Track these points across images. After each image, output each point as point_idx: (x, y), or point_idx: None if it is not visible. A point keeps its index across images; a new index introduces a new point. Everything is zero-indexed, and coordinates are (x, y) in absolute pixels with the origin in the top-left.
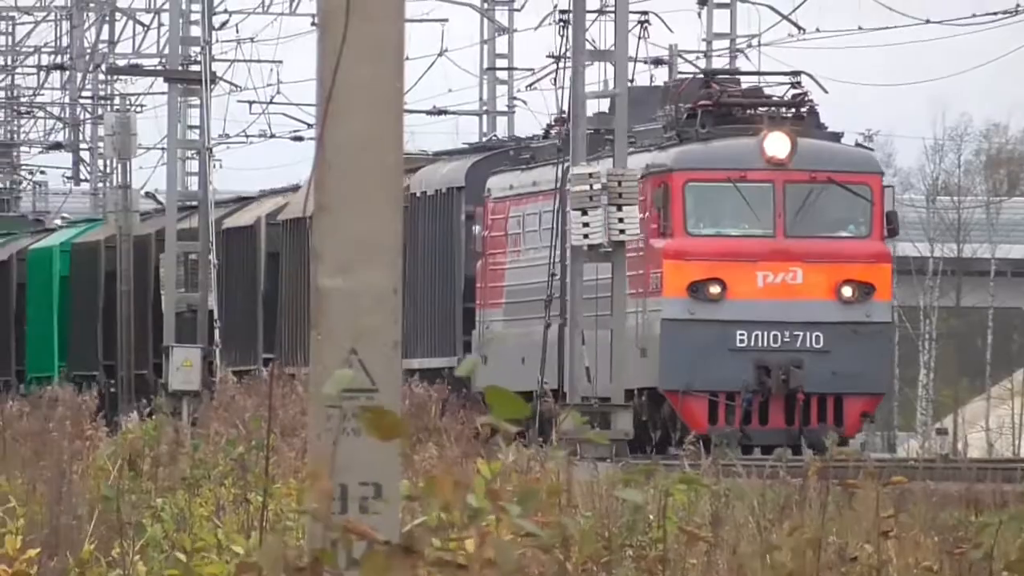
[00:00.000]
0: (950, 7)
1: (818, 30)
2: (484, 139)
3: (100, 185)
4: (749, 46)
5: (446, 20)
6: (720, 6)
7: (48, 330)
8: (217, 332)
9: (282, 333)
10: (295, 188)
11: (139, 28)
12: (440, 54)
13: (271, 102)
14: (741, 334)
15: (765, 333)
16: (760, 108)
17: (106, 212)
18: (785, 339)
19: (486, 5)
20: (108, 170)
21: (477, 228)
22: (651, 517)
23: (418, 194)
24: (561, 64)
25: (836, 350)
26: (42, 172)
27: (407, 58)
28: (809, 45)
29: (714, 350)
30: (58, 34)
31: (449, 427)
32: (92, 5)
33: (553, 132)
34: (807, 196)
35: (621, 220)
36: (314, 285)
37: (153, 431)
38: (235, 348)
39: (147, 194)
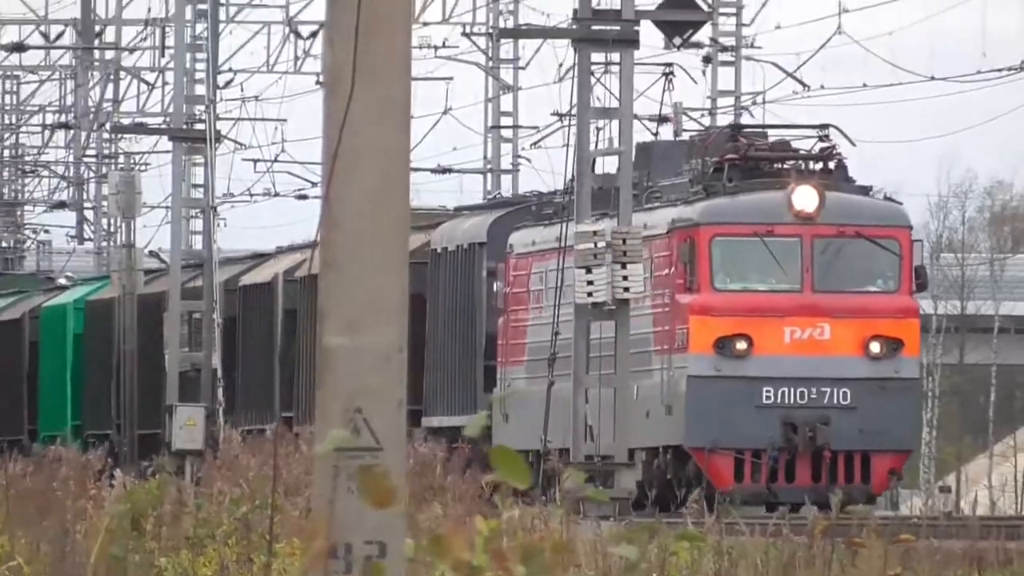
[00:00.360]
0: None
1: (822, 87)
2: (489, 197)
3: (104, 244)
4: (754, 103)
5: (451, 78)
6: (725, 64)
7: (62, 388)
8: (220, 391)
9: (299, 391)
10: (314, 244)
11: (143, 87)
12: (445, 112)
13: (276, 160)
14: (768, 390)
15: (792, 389)
16: (788, 162)
17: (110, 271)
18: (812, 395)
19: (491, 64)
20: (112, 229)
21: (499, 284)
22: (653, 575)
23: (439, 249)
24: (566, 121)
25: (863, 406)
26: (46, 231)
27: (413, 116)
28: (814, 102)
29: (740, 407)
30: (62, 93)
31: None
32: (96, 64)
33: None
34: (835, 250)
35: (625, 278)
36: (319, 343)
37: (156, 490)
38: (252, 406)
39: (151, 253)
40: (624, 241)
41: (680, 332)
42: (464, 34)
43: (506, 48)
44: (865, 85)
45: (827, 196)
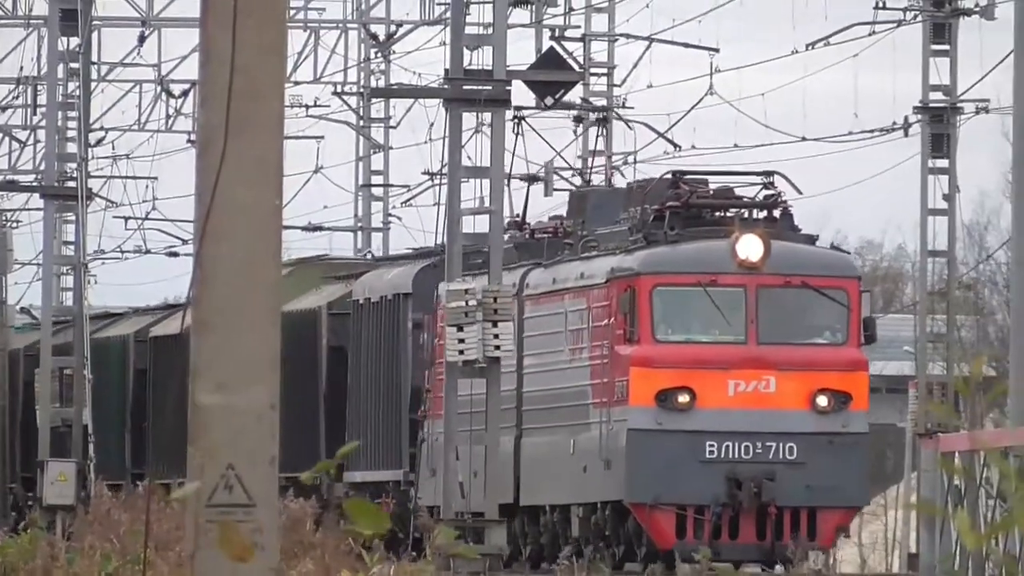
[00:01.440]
0: (830, 124)
1: (693, 147)
2: (360, 255)
3: None
4: (625, 163)
5: (322, 137)
6: (596, 123)
7: None
8: (91, 446)
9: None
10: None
11: (15, 144)
12: (316, 171)
13: (147, 218)
14: (711, 445)
15: (736, 444)
16: (731, 209)
17: None
18: (757, 450)
19: (362, 123)
20: None
21: (425, 336)
22: None
23: (361, 300)
24: (437, 180)
25: (811, 462)
26: None
27: (284, 175)
28: (686, 162)
29: (683, 461)
30: None
31: (324, 542)
32: None
33: (507, 236)
34: (781, 301)
35: (496, 336)
36: (191, 401)
37: (28, 545)
38: (163, 458)
39: (23, 309)
40: (495, 299)
41: (620, 384)
42: (335, 93)
43: (377, 107)
44: (736, 145)
45: (772, 245)
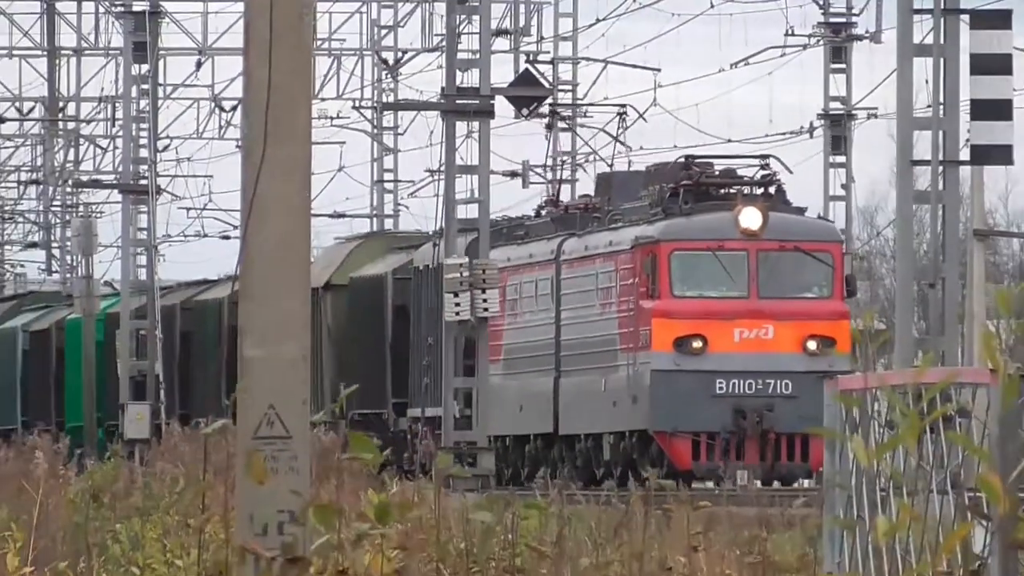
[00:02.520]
0: (751, 128)
1: (642, 148)
2: None
3: (68, 276)
4: (587, 161)
5: (344, 143)
6: (564, 130)
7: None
8: (162, 391)
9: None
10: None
11: (98, 150)
12: (339, 170)
13: (204, 208)
14: (720, 382)
15: (741, 381)
16: (734, 187)
17: (74, 298)
18: (759, 386)
19: (376, 131)
20: (75, 264)
21: None
22: (507, 536)
23: (421, 267)
24: (437, 176)
25: (803, 396)
26: (22, 266)
27: (313, 173)
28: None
29: (697, 396)
30: (34, 156)
31: (351, 467)
32: (60, 133)
33: (544, 212)
34: (777, 262)
35: (485, 300)
36: (240, 355)
37: (112, 471)
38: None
39: (106, 283)
40: (484, 271)
41: (644, 333)
42: (354, 107)
43: (388, 118)
44: (675, 146)
45: (769, 216)
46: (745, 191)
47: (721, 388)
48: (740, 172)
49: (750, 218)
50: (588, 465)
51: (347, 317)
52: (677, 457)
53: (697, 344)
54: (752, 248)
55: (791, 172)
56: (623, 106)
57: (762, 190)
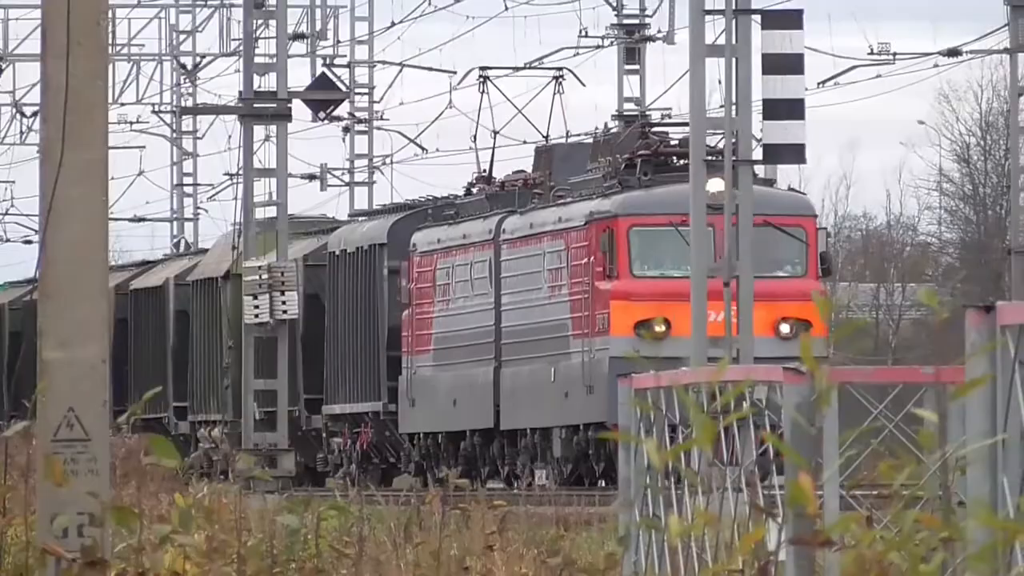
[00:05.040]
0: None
1: (438, 150)
2: (173, 242)
3: None
4: (383, 163)
5: (144, 147)
6: (360, 133)
7: None
8: None
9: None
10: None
11: None
12: (139, 174)
13: (6, 214)
14: (686, 370)
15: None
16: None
17: None
18: None
19: (175, 135)
20: None
21: (403, 281)
22: (309, 537)
23: (337, 252)
24: (234, 180)
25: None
26: None
27: (112, 178)
28: (432, 163)
29: None
30: None
31: (155, 470)
32: None
33: (475, 190)
34: None
35: (284, 303)
36: (40, 357)
37: None
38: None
39: None
40: (282, 273)
41: (600, 317)
42: (154, 111)
43: (187, 122)
44: (471, 148)
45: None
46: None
47: None
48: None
49: (716, 189)
50: (532, 461)
51: None
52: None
53: (660, 328)
54: (719, 223)
55: (758, 141)
56: (560, 69)
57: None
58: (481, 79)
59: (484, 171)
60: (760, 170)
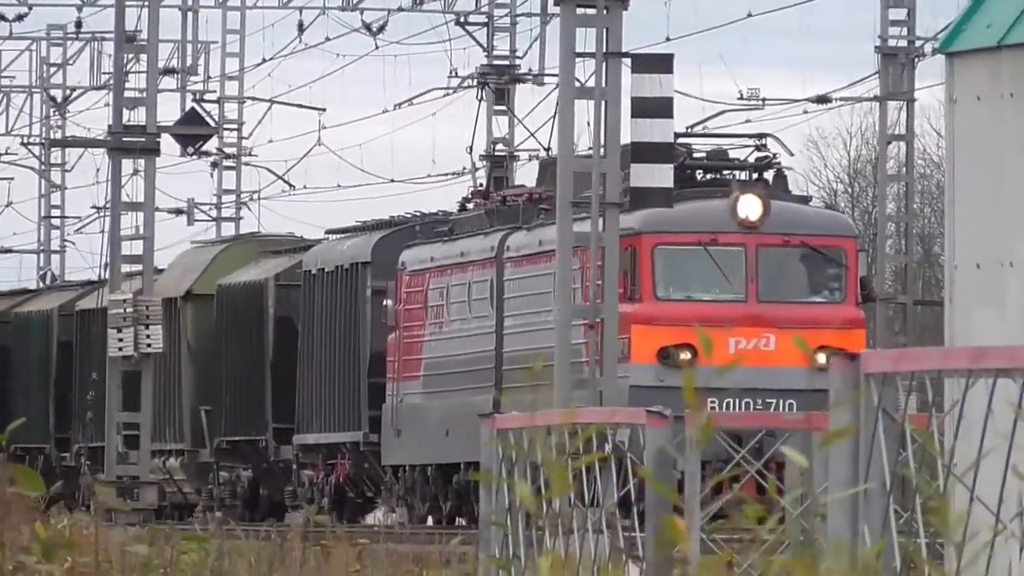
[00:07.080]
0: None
1: (305, 187)
2: (39, 274)
3: None
4: (251, 199)
5: (12, 179)
6: (228, 168)
7: None
8: None
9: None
10: None
11: None
12: (7, 205)
13: None
14: (712, 402)
15: (737, 401)
16: (727, 171)
17: None
18: (758, 407)
19: (43, 167)
20: None
21: (389, 302)
22: (165, 571)
23: (314, 271)
24: (102, 213)
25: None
26: None
27: None
28: (300, 199)
29: None
30: None
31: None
32: None
33: (471, 205)
34: (780, 260)
35: (148, 337)
36: None
37: None
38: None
39: None
40: (147, 307)
41: (621, 343)
42: (22, 143)
43: (56, 155)
44: (339, 186)
45: (771, 205)
46: (740, 175)
47: (713, 408)
48: (732, 154)
49: (749, 206)
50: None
51: (214, 331)
52: None
53: (685, 356)
54: (751, 243)
55: (792, 155)
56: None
57: (758, 175)
58: (480, 85)
59: (481, 185)
60: (794, 186)
